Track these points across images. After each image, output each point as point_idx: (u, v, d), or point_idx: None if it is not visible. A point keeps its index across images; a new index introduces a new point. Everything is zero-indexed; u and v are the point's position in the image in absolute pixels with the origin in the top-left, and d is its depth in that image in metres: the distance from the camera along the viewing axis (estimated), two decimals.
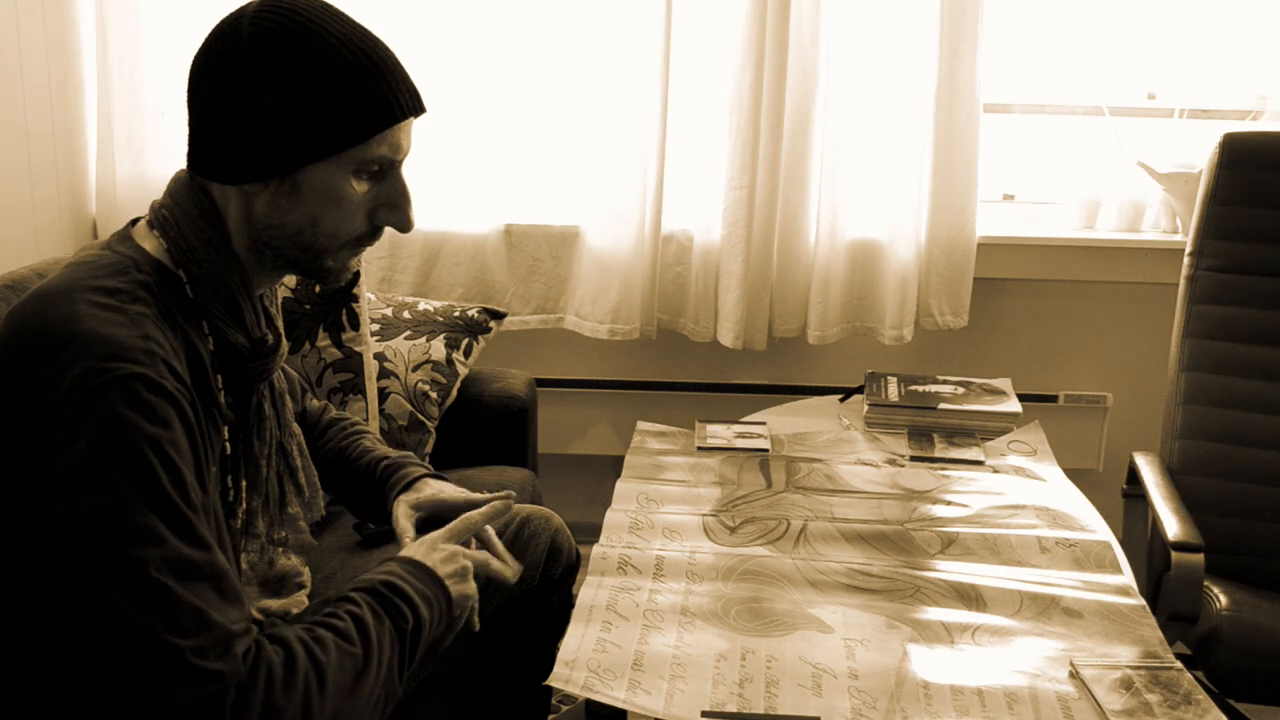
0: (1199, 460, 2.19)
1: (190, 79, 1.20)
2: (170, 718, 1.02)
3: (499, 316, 2.38)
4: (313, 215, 1.20)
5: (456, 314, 2.31)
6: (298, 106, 1.15)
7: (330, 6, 1.20)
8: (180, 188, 1.23)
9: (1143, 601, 1.68)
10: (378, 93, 1.18)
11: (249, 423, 1.29)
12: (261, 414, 1.30)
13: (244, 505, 1.31)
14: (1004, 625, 1.61)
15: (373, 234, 1.25)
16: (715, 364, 2.70)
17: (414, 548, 1.34)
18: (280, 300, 2.07)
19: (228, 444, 1.24)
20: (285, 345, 1.32)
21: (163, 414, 1.07)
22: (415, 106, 1.23)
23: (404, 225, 1.25)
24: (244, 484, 1.31)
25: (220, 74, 1.17)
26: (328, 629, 1.16)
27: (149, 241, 1.21)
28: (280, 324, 1.33)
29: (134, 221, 1.25)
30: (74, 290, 1.11)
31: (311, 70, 1.15)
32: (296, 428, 1.40)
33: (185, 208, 1.21)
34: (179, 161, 1.26)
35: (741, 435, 2.20)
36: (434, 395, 2.18)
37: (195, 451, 1.11)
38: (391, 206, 1.24)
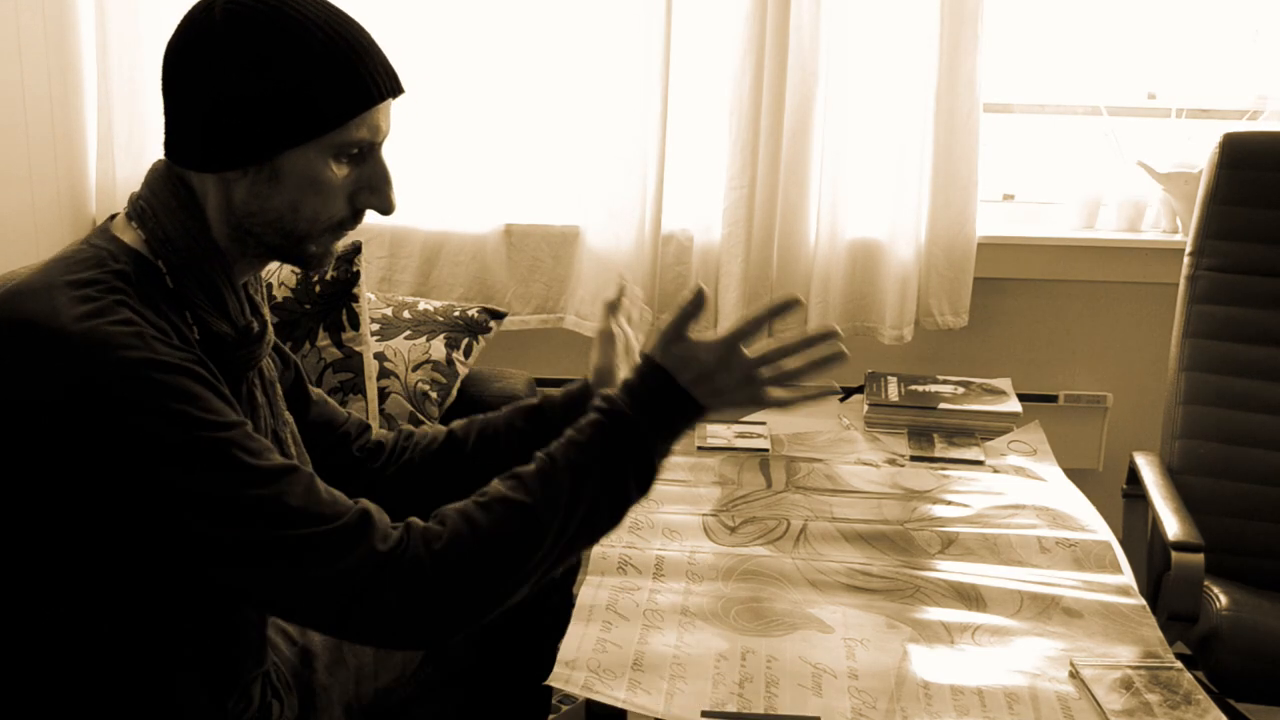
0: (1199, 460, 2.19)
1: (164, 66, 1.19)
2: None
3: (499, 316, 2.38)
4: (293, 201, 1.19)
5: (456, 314, 2.31)
6: (273, 91, 1.14)
7: None
8: (157, 178, 1.22)
9: (1143, 601, 1.68)
10: (355, 75, 1.17)
11: (241, 412, 1.28)
12: (254, 402, 1.29)
13: None
14: (1004, 625, 1.61)
15: (354, 217, 1.24)
16: None
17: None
18: (281, 299, 2.09)
19: None
20: (271, 332, 1.31)
21: (178, 384, 1.08)
22: (393, 88, 1.21)
23: (386, 208, 1.24)
24: None
25: (193, 59, 1.16)
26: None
27: (127, 234, 1.20)
28: (266, 311, 1.32)
29: (113, 217, 1.24)
30: (50, 286, 1.10)
31: (286, 53, 1.14)
32: (289, 415, 1.38)
33: (163, 198, 1.20)
34: None
35: (741, 435, 2.20)
36: (434, 395, 2.18)
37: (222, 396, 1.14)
38: (372, 189, 1.23)
